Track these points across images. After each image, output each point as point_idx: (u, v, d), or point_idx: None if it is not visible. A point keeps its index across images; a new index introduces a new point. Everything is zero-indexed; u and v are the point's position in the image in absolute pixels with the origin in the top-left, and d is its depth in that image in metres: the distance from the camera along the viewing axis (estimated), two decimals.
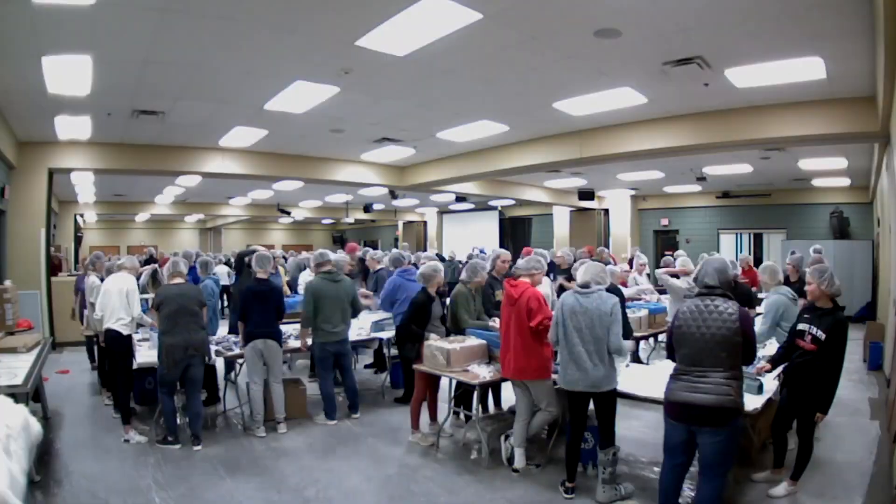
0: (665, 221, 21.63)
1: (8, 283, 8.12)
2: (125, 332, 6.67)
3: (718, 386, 3.89)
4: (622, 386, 5.19)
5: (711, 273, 4.18)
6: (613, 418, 5.08)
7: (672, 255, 9.71)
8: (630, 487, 5.09)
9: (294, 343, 7.44)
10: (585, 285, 5.01)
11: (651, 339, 9.60)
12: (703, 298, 4.13)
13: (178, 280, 6.50)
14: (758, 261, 13.52)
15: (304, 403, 7.33)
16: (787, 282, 8.56)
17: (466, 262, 8.50)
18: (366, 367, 9.83)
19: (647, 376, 5.62)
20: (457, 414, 6.84)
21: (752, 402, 4.72)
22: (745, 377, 4.83)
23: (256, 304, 6.64)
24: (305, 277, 10.05)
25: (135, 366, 6.65)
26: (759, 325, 5.99)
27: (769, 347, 6.09)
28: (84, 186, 17.44)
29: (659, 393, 4.96)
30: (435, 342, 6.11)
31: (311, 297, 6.96)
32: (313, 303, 6.94)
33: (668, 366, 5.67)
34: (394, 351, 8.24)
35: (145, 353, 6.87)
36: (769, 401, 5.14)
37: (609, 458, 4.96)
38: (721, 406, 3.86)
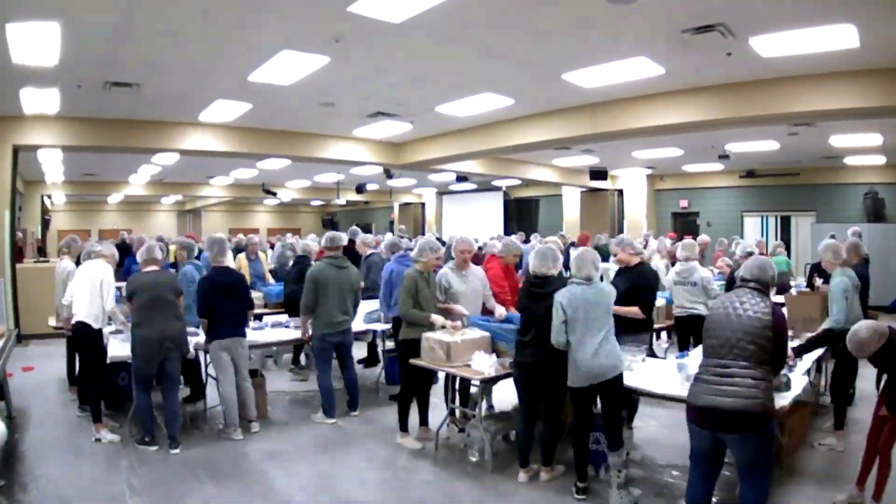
0: (684, 203, 21.64)
1: None
2: (96, 325, 6.62)
3: (746, 388, 3.81)
4: (637, 382, 5.25)
5: (751, 268, 4.28)
6: (620, 414, 5.17)
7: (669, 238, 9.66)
8: (637, 492, 5.14)
9: (293, 333, 7.45)
10: (589, 278, 5.15)
11: (664, 333, 9.63)
12: (737, 291, 4.21)
13: (153, 267, 6.48)
14: (786, 246, 13.51)
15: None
16: (820, 270, 8.57)
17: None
18: (358, 362, 9.70)
19: (663, 372, 5.61)
20: (452, 413, 6.82)
21: (778, 401, 4.66)
22: None
23: (220, 298, 6.56)
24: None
25: (108, 360, 6.60)
26: (833, 312, 6.17)
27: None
28: (52, 165, 17.41)
29: (676, 390, 5.04)
30: (433, 334, 6.11)
31: (313, 283, 6.96)
32: (315, 290, 6.94)
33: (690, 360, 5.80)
34: (389, 344, 8.28)
35: (118, 347, 6.80)
36: (798, 399, 5.16)
37: (621, 460, 5.01)
38: (748, 411, 3.78)
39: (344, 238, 7.42)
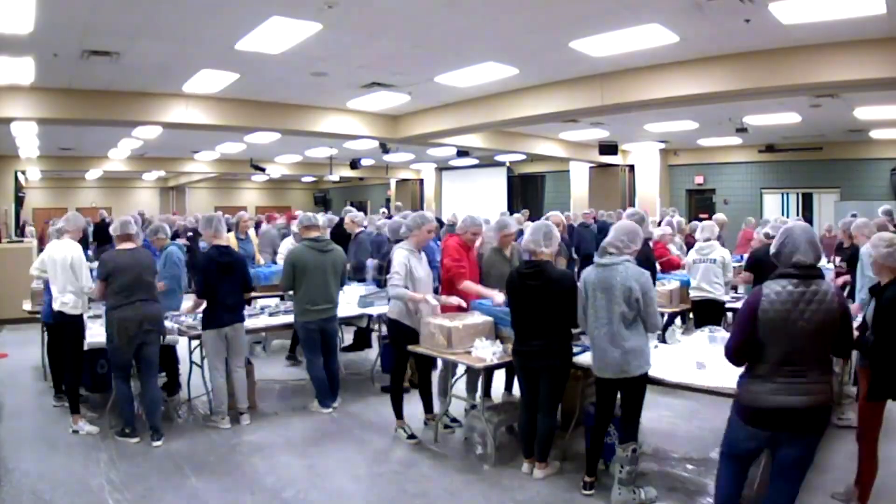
0: (699, 179, 21.64)
1: None
2: (74, 311, 6.58)
3: (816, 385, 3.72)
4: (650, 371, 5.23)
5: (805, 247, 3.78)
6: (639, 409, 5.16)
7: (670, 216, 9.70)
8: (652, 492, 5.08)
9: (284, 318, 7.55)
10: (603, 252, 5.09)
11: (679, 319, 9.64)
12: (797, 282, 3.73)
13: (129, 245, 6.36)
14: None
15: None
16: (839, 249, 8.64)
17: None
18: (342, 349, 9.46)
19: (677, 359, 5.57)
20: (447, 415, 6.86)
21: None
22: None
23: (223, 279, 6.59)
24: (287, 245, 9.95)
25: (85, 346, 6.61)
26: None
27: None
28: (26, 139, 17.35)
29: (691, 378, 5.06)
30: (434, 319, 6.12)
31: (291, 267, 6.96)
32: (292, 274, 6.94)
33: (699, 345, 5.81)
34: (384, 329, 8.30)
35: (97, 332, 6.78)
36: None
37: (628, 456, 4.96)
38: (820, 406, 3.73)
39: (319, 218, 7.40)
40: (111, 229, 6.59)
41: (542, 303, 5.25)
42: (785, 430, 3.77)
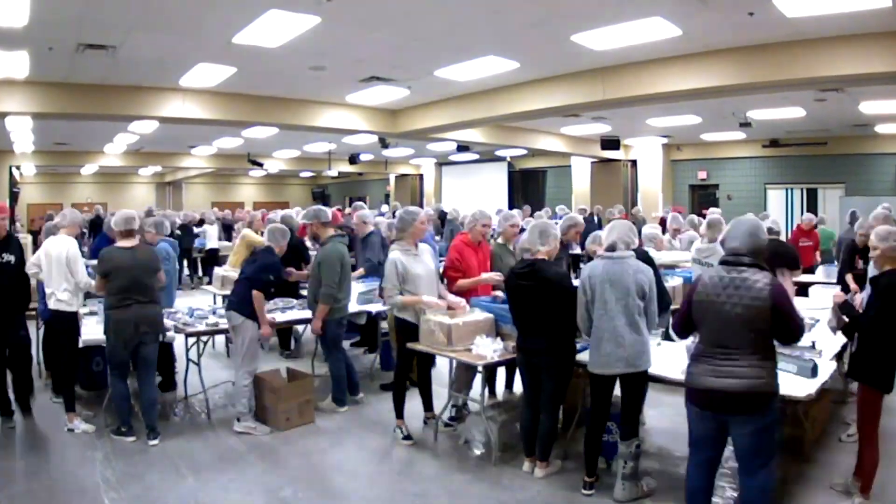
0: (703, 175, 21.65)
1: None
2: (69, 309, 6.58)
3: (750, 368, 3.89)
4: (653, 368, 5.24)
5: (740, 236, 4.08)
6: (641, 404, 5.19)
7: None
8: (652, 483, 5.17)
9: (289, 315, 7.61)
10: (612, 248, 5.09)
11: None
12: (728, 268, 4.05)
13: (130, 242, 6.28)
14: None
15: None
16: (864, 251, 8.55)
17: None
18: (351, 345, 9.59)
19: (679, 356, 5.48)
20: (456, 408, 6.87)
21: (804, 388, 4.70)
22: (793, 358, 4.93)
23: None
24: None
25: (80, 344, 6.61)
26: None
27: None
28: (21, 133, 17.38)
29: None
30: (434, 316, 6.10)
31: (339, 263, 6.98)
32: (341, 272, 6.98)
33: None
34: (384, 326, 8.31)
35: (93, 329, 6.78)
36: (824, 387, 5.09)
37: (631, 451, 5.02)
38: (753, 391, 3.86)
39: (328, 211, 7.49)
40: (112, 223, 6.48)
41: (537, 302, 5.27)
42: (722, 413, 3.97)
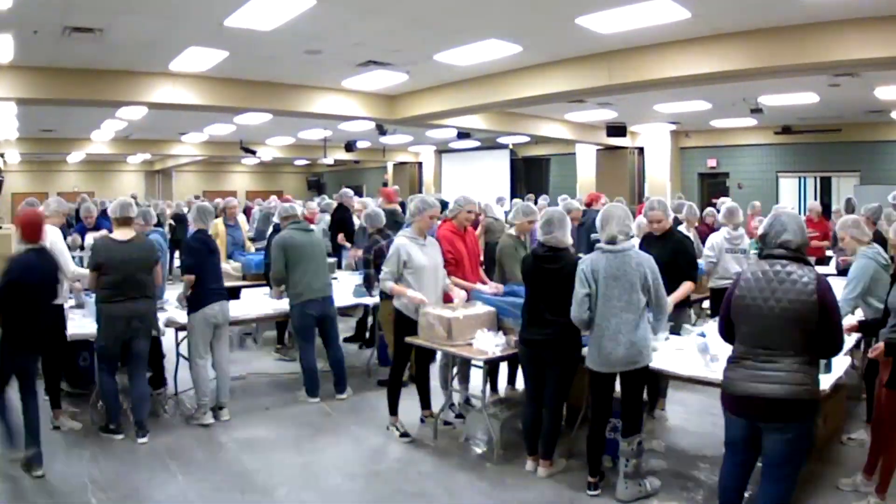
0: (712, 163, 21.63)
1: None
2: (55, 301, 6.41)
3: (791, 373, 3.78)
4: (661, 364, 5.26)
5: (794, 229, 3.93)
6: (641, 399, 5.20)
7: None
8: (656, 483, 5.16)
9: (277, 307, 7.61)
10: (612, 240, 5.03)
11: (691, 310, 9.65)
12: (772, 262, 3.92)
13: (126, 233, 6.23)
14: (825, 210, 13.52)
15: None
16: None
17: None
18: (345, 339, 9.48)
19: (690, 351, 5.52)
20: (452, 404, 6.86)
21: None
22: None
23: (210, 259, 6.75)
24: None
25: (67, 338, 6.53)
26: (841, 292, 5.65)
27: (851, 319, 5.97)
28: (5, 120, 17.38)
29: (704, 372, 5.07)
30: (433, 309, 6.08)
31: (282, 251, 7.11)
32: (284, 258, 7.08)
33: (712, 337, 5.80)
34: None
35: (80, 324, 6.76)
36: (839, 383, 5.09)
37: (633, 449, 5.00)
38: (795, 398, 3.77)
39: (297, 208, 7.66)
40: (109, 211, 6.44)
41: (559, 287, 5.18)
42: (759, 420, 3.89)
